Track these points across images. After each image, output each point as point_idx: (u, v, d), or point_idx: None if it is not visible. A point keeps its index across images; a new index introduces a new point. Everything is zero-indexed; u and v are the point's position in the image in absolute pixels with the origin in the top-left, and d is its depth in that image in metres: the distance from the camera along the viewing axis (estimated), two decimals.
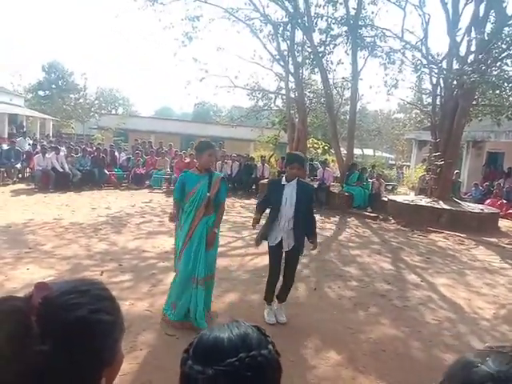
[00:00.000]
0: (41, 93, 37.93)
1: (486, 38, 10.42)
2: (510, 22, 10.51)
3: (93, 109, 33.07)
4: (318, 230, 4.44)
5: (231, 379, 0.67)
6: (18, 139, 14.57)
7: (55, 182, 12.25)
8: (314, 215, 4.41)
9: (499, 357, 0.66)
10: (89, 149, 14.78)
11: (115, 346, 0.74)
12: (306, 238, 4.25)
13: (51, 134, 23.46)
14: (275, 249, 4.21)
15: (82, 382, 0.67)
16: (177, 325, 3.95)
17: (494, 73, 10.44)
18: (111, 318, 0.72)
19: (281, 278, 4.31)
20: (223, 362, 0.68)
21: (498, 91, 11.52)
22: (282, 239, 4.14)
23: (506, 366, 0.64)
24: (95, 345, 0.68)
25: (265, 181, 13.65)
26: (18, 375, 0.64)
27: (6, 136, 19.26)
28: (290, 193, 4.11)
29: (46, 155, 12.62)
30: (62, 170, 12.61)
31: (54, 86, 37.37)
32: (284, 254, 4.24)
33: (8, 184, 12.55)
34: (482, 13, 10.81)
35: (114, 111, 44.81)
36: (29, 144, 15.80)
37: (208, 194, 3.91)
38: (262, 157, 16.55)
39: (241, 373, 0.68)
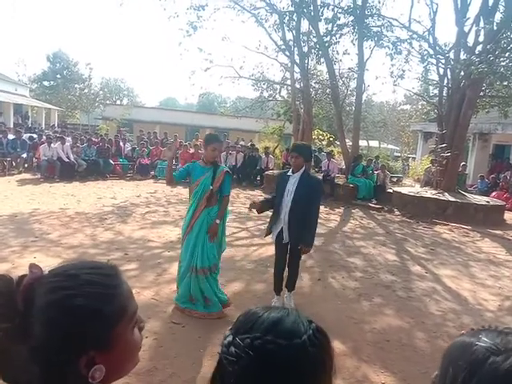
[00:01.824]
0: (45, 83, 37.94)
1: (495, 28, 10.27)
2: None
3: (97, 99, 33.06)
4: (323, 221, 4.42)
5: (238, 352, 0.68)
6: (24, 136, 14.42)
7: (61, 171, 12.31)
8: (318, 213, 4.23)
9: (489, 332, 0.73)
10: (94, 139, 14.80)
11: (105, 333, 0.71)
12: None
13: (56, 125, 23.49)
14: (278, 240, 4.25)
15: (54, 363, 0.68)
16: (185, 311, 4.04)
17: (503, 63, 10.29)
18: (93, 303, 0.70)
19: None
20: (242, 336, 0.69)
21: (506, 82, 11.35)
22: (282, 231, 4.17)
23: (498, 338, 0.71)
24: (69, 328, 0.68)
25: (270, 172, 13.66)
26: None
27: (12, 126, 19.32)
28: (292, 184, 4.10)
29: (52, 145, 12.66)
30: (67, 160, 12.65)
31: (58, 75, 37.34)
32: (288, 245, 4.26)
33: (14, 174, 12.61)
34: (491, 2, 10.63)
35: (118, 102, 44.76)
36: (34, 137, 15.75)
37: (211, 187, 3.97)
38: (265, 148, 16.51)
39: (246, 351, 0.68)
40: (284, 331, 0.69)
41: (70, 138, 14.30)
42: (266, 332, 0.69)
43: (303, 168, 4.16)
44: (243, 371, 0.67)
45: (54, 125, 23.08)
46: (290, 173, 4.19)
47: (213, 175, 4.00)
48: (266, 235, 4.42)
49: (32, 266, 0.73)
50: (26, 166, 13.60)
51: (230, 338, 0.71)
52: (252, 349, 0.67)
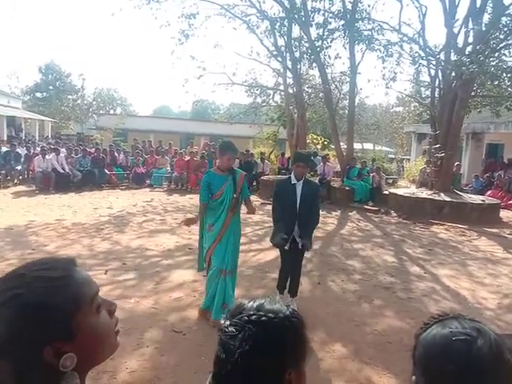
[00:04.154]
0: (38, 94, 37.84)
1: (484, 29, 10.39)
2: (507, 12, 10.48)
3: (91, 109, 33.04)
4: (320, 225, 4.49)
5: (238, 328, 0.81)
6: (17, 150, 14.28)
7: (56, 183, 12.26)
8: (319, 215, 4.43)
9: (450, 322, 0.86)
10: (89, 149, 14.78)
11: (62, 323, 0.72)
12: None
13: (50, 136, 23.42)
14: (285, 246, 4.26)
15: (20, 358, 0.70)
16: (201, 313, 4.07)
17: (493, 63, 10.39)
18: (41, 298, 0.71)
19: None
20: (237, 317, 0.83)
21: (496, 82, 11.47)
22: (294, 237, 4.24)
23: (461, 324, 0.84)
24: (24, 326, 0.70)
25: (266, 177, 13.68)
26: None
27: (5, 139, 19.25)
28: (299, 191, 4.23)
29: (46, 157, 12.62)
30: (62, 171, 12.62)
31: (51, 87, 37.27)
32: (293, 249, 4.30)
33: (9, 186, 12.56)
34: (478, 3, 10.76)
35: (112, 111, 44.70)
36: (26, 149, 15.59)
37: (234, 195, 3.97)
38: (261, 153, 16.54)
39: (244, 325, 0.81)
40: (270, 309, 0.85)
41: (64, 149, 14.27)
42: (257, 310, 0.84)
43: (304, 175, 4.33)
44: (244, 342, 0.79)
45: (47, 136, 23.01)
46: (294, 181, 4.26)
47: (233, 182, 4.00)
48: (284, 244, 4.23)
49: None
50: (20, 178, 13.55)
51: (227, 323, 0.84)
52: (250, 322, 0.81)
